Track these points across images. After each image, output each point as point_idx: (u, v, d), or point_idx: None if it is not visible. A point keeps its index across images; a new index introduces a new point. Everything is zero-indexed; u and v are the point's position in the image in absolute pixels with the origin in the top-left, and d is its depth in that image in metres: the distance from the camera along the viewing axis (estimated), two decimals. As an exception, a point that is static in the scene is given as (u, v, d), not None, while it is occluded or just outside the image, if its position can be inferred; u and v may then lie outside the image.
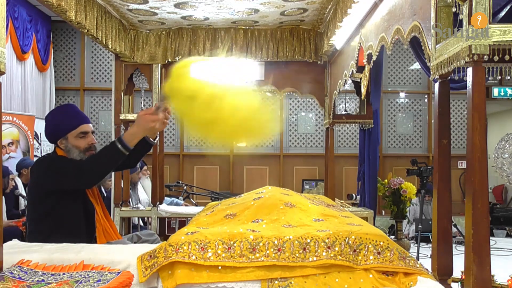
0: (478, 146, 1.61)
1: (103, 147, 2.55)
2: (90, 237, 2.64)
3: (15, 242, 2.32)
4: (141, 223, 5.69)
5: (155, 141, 2.86)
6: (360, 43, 3.29)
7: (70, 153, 2.62)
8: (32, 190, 2.70)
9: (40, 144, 7.41)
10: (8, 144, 6.51)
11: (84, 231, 2.63)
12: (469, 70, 1.63)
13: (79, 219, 2.61)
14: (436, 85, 1.95)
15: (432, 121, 8.19)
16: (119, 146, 2.45)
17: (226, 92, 2.24)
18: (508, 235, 7.10)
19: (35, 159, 6.79)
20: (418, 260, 2.51)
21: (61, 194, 2.54)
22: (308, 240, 1.91)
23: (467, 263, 1.64)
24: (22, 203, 5.48)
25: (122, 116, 4.53)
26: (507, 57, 1.58)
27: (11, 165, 6.08)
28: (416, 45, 2.52)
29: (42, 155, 6.23)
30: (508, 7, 1.87)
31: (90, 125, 2.73)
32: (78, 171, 2.50)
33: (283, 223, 2.11)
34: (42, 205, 2.56)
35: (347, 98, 7.19)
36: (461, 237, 4.57)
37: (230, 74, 2.33)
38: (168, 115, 2.57)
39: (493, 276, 2.80)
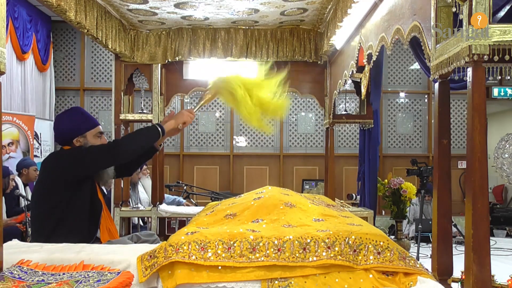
0: (478, 146, 1.61)
1: (141, 128, 2.81)
2: (92, 235, 2.65)
3: (15, 242, 2.32)
4: (141, 223, 5.69)
5: (160, 147, 2.98)
6: (360, 43, 3.29)
7: None
8: (41, 185, 2.69)
9: (40, 144, 7.41)
10: (8, 144, 6.51)
11: (87, 228, 2.64)
12: (469, 70, 1.63)
13: (84, 216, 2.62)
14: (436, 85, 1.95)
15: (432, 121, 8.19)
16: (158, 127, 2.70)
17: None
18: (508, 235, 7.10)
19: (35, 159, 6.79)
20: (418, 260, 2.51)
21: (70, 188, 2.56)
22: (308, 240, 1.91)
23: (467, 263, 1.64)
24: (23, 203, 5.48)
25: (122, 116, 4.53)
26: (507, 57, 1.58)
27: (11, 165, 6.08)
28: (416, 45, 2.52)
29: (47, 154, 6.25)
30: (508, 7, 1.87)
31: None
32: (114, 146, 2.65)
33: (283, 223, 2.12)
34: (49, 199, 2.57)
35: (347, 98, 7.17)
36: (461, 237, 4.56)
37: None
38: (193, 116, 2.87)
39: (493, 276, 2.80)
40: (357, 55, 3.40)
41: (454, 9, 1.73)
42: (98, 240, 2.68)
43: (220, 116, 8.90)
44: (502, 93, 8.53)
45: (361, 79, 4.48)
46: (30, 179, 5.91)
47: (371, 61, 3.10)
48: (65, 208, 2.56)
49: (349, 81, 4.53)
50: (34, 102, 7.78)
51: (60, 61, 8.80)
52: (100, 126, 2.81)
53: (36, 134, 7.18)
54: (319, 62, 4.65)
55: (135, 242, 2.82)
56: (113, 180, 4.57)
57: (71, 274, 1.86)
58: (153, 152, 2.95)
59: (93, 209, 2.67)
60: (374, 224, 4.06)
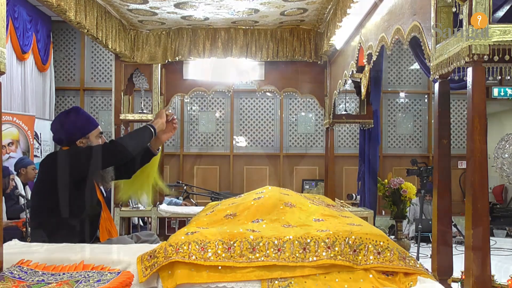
0: (478, 146, 1.61)
1: (136, 129, 2.89)
2: (92, 235, 2.65)
3: (15, 242, 2.32)
4: (141, 223, 5.69)
5: (157, 152, 2.95)
6: (360, 43, 3.29)
7: None
8: (39, 186, 2.69)
9: (40, 144, 7.40)
10: (8, 144, 6.51)
11: (88, 228, 2.64)
12: (469, 70, 1.64)
13: (83, 216, 2.62)
14: (436, 85, 1.95)
15: (432, 121, 8.19)
16: (151, 128, 2.75)
17: None
18: (508, 235, 7.09)
19: (34, 159, 6.79)
20: (418, 260, 2.51)
21: (69, 189, 2.55)
22: (308, 240, 1.91)
23: (467, 263, 1.64)
24: (22, 202, 5.48)
25: (122, 116, 4.53)
26: (507, 57, 1.58)
27: (11, 165, 6.07)
28: (416, 45, 2.52)
29: (46, 154, 6.24)
30: (508, 7, 1.87)
31: None
32: (114, 145, 2.67)
33: (283, 223, 2.11)
34: (48, 200, 2.56)
35: (347, 98, 7.17)
36: (461, 237, 4.57)
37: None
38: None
39: (493, 276, 2.80)
40: (357, 55, 3.40)
41: (454, 9, 1.73)
42: (97, 240, 2.68)
43: (220, 116, 8.90)
44: (502, 93, 8.52)
45: (361, 79, 4.48)
46: (29, 178, 5.91)
47: (371, 61, 3.10)
48: (64, 209, 2.55)
49: (349, 81, 4.53)
50: (34, 102, 7.77)
51: (60, 61, 8.79)
52: (99, 127, 2.83)
53: (36, 134, 7.18)
54: (319, 62, 4.65)
55: (135, 242, 2.83)
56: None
57: (71, 274, 1.86)
58: (150, 156, 2.90)
59: (92, 209, 2.67)
60: (374, 224, 4.06)
